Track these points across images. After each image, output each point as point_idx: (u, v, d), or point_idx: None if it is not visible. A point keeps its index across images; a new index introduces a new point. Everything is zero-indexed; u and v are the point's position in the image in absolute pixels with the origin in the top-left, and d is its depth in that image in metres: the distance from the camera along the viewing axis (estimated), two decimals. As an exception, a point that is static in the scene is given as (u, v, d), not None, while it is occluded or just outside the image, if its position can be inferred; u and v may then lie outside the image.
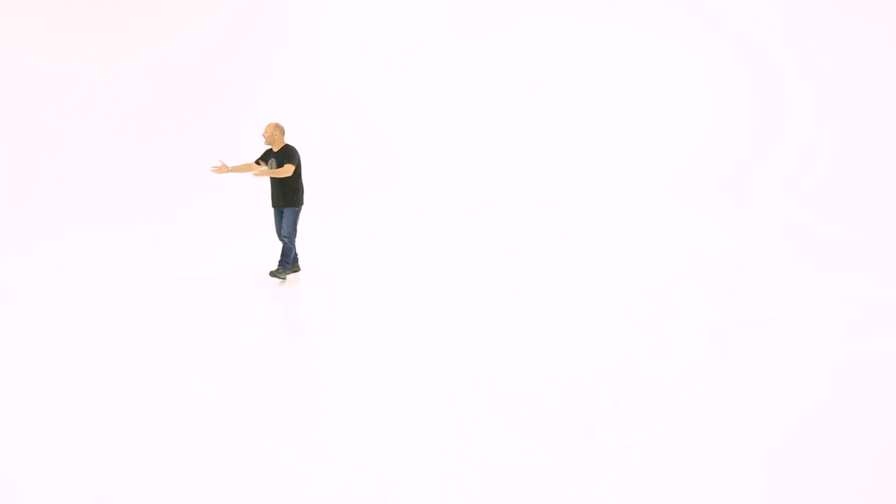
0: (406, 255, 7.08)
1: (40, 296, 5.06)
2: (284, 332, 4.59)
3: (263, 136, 5.70)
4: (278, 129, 5.78)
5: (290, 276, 6.07)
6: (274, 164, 5.70)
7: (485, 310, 4.96)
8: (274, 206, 5.81)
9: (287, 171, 5.63)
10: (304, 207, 6.03)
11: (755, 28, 12.03)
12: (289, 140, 6.63)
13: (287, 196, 5.74)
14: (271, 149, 5.81)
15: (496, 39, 12.41)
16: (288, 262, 5.85)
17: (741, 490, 2.64)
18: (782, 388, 3.61)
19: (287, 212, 5.76)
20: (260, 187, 9.00)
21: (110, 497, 2.47)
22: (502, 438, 3.00)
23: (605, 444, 2.98)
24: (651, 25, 12.29)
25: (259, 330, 4.42)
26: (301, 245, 6.77)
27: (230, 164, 5.96)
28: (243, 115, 10.87)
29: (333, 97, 11.40)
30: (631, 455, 2.88)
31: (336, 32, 11.76)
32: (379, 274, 6.25)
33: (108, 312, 4.71)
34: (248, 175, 8.28)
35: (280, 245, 6.09)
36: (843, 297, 5.35)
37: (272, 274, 5.74)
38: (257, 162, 5.81)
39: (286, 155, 5.71)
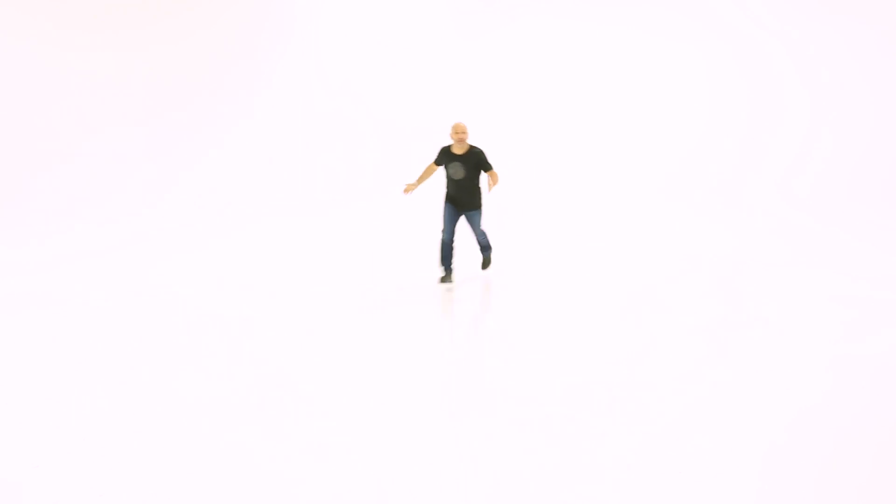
0: (406, 254, 7.08)
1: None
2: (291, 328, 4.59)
3: (459, 136, 5.63)
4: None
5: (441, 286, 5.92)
6: (461, 169, 5.64)
7: (482, 310, 4.97)
8: (459, 206, 5.82)
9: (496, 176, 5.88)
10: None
11: (751, 29, 12.06)
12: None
13: (477, 197, 5.85)
14: (450, 150, 5.74)
15: (494, 43, 12.43)
16: (490, 248, 6.03)
17: (739, 489, 2.66)
18: (779, 387, 3.62)
19: (476, 214, 5.87)
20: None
21: (111, 497, 2.47)
22: (500, 438, 3.01)
23: (602, 443, 2.98)
24: (648, 27, 12.32)
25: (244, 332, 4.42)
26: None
27: (414, 182, 5.89)
28: (247, 117, 10.86)
29: (336, 99, 11.40)
30: (629, 454, 2.89)
31: (340, 34, 11.76)
32: (377, 270, 6.26)
33: (112, 311, 4.70)
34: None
35: (437, 245, 6.30)
36: (840, 297, 5.38)
37: (487, 263, 6.03)
38: (437, 163, 5.83)
39: (482, 157, 5.74)
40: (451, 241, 5.82)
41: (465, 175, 5.64)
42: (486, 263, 6.02)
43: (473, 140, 6.01)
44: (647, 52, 12.41)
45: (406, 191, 5.91)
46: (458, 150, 5.60)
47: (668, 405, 3.38)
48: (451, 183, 5.76)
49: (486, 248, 6.02)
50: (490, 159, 5.79)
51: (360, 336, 4.36)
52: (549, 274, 6.22)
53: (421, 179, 5.90)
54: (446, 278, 5.86)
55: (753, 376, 3.76)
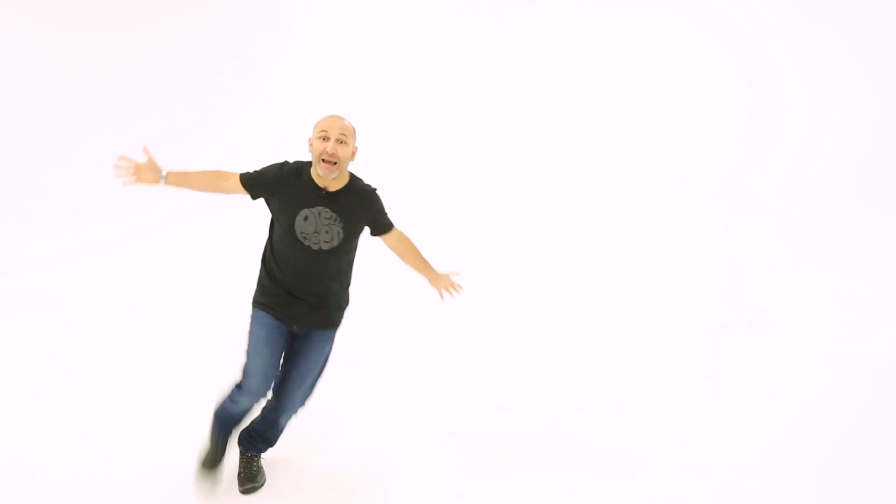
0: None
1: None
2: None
3: (331, 151, 2.33)
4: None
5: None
6: (334, 225, 2.41)
7: (484, 309, 4.97)
8: (294, 319, 2.48)
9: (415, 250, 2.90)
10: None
11: (753, 29, 12.04)
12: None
13: (338, 302, 2.58)
14: (305, 177, 2.43)
15: (495, 41, 12.42)
16: (268, 445, 2.60)
17: (740, 488, 2.65)
18: (781, 387, 3.62)
19: (326, 342, 2.56)
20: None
21: (111, 497, 2.47)
22: (499, 438, 3.01)
23: (603, 443, 2.98)
24: (648, 27, 12.30)
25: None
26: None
27: (163, 168, 2.46)
28: (240, 115, 10.88)
29: (332, 99, 11.41)
30: (630, 454, 2.89)
31: (336, 34, 11.77)
32: (381, 273, 6.25)
33: (110, 309, 4.71)
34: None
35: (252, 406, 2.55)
36: (841, 297, 5.37)
37: (246, 489, 2.50)
38: (251, 189, 2.49)
39: (377, 206, 2.60)
40: (255, 401, 2.48)
41: (340, 243, 2.45)
42: (249, 482, 2.52)
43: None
44: (648, 53, 12.39)
45: (131, 174, 2.41)
46: (323, 181, 2.41)
47: (668, 404, 3.37)
48: (293, 257, 2.44)
49: (270, 438, 2.58)
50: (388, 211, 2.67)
51: (359, 336, 4.36)
52: (551, 274, 6.21)
53: (178, 180, 2.49)
54: (210, 468, 2.47)
55: (754, 375, 3.76)
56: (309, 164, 2.48)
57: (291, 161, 2.54)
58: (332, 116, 2.44)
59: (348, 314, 2.64)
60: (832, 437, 3.07)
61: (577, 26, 12.72)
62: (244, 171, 2.53)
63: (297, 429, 2.71)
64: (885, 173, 11.43)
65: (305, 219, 2.40)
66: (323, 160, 2.35)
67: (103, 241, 6.91)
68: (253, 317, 2.53)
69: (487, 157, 11.89)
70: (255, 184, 2.48)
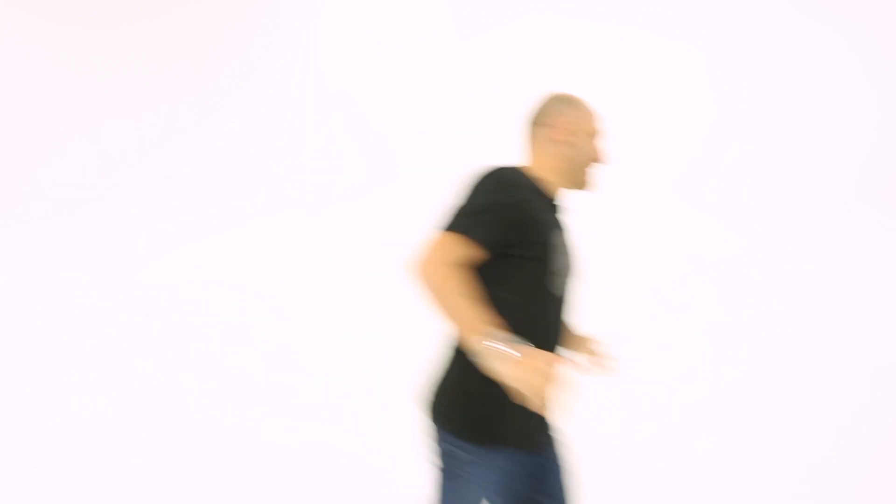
0: (404, 255, 7.08)
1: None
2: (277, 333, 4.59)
3: (594, 153, 1.83)
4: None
5: None
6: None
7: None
8: (546, 435, 1.77)
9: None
10: None
11: (753, 29, 12.05)
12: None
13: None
14: (542, 196, 1.81)
15: (496, 41, 12.42)
16: None
17: (740, 488, 2.65)
18: (781, 387, 3.62)
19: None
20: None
21: (111, 497, 2.47)
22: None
23: (603, 442, 2.98)
24: (649, 27, 12.30)
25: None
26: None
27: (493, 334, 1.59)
28: (240, 115, 10.86)
29: (333, 98, 11.40)
30: (629, 454, 2.89)
31: (338, 34, 11.76)
32: (380, 275, 6.25)
33: (109, 310, 4.70)
34: None
35: None
36: (841, 297, 5.37)
37: None
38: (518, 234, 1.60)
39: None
40: None
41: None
42: None
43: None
44: (648, 52, 12.39)
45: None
46: (559, 190, 1.90)
47: (667, 404, 3.37)
48: (547, 319, 1.75)
49: None
50: None
51: (361, 339, 4.36)
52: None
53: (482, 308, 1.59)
54: None
55: (754, 375, 3.76)
56: (518, 169, 1.58)
57: (503, 168, 1.55)
58: (587, 101, 1.58)
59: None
60: (832, 437, 3.07)
61: (576, 26, 12.72)
62: (469, 236, 1.47)
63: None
64: (885, 173, 11.43)
65: (561, 251, 1.57)
66: (588, 168, 1.58)
67: (103, 241, 6.91)
68: (489, 467, 1.48)
69: (488, 158, 11.88)
70: (508, 233, 1.47)
